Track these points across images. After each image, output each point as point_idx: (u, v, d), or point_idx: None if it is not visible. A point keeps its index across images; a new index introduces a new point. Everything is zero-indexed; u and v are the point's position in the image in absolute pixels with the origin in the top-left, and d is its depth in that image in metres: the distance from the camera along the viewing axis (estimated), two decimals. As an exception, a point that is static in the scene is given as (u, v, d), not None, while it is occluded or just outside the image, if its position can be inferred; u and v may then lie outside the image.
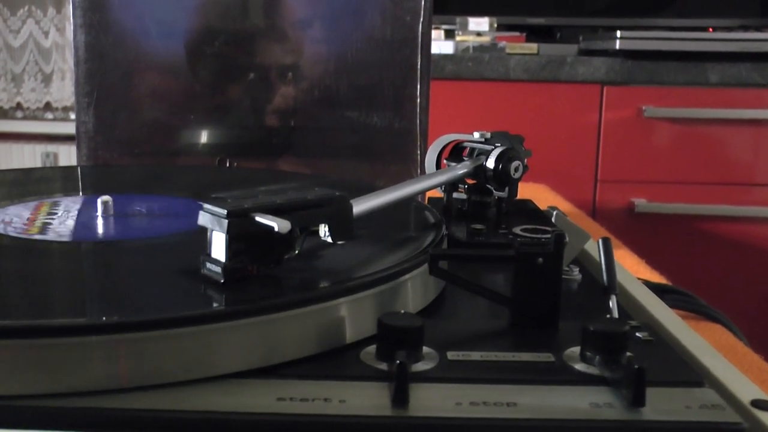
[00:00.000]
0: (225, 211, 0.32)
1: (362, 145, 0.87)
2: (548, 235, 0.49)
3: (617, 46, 1.51)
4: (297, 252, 0.34)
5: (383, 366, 0.30)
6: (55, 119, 2.48)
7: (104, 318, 0.28)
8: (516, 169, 0.54)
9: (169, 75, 0.92)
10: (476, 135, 0.56)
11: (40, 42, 2.46)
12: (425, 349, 0.31)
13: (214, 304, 0.32)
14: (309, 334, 0.31)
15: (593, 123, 1.57)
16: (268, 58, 0.91)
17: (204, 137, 0.91)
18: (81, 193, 0.54)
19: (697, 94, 1.54)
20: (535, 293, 0.35)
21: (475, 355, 0.32)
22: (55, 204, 0.47)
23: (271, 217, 0.31)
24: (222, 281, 0.32)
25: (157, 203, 0.48)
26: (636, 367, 0.27)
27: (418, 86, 0.85)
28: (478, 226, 0.51)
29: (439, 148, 0.57)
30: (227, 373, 0.29)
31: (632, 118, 1.56)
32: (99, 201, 0.43)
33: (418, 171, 0.86)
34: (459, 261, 0.40)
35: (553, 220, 0.50)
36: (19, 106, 2.50)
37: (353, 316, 0.32)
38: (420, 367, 0.30)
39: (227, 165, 0.83)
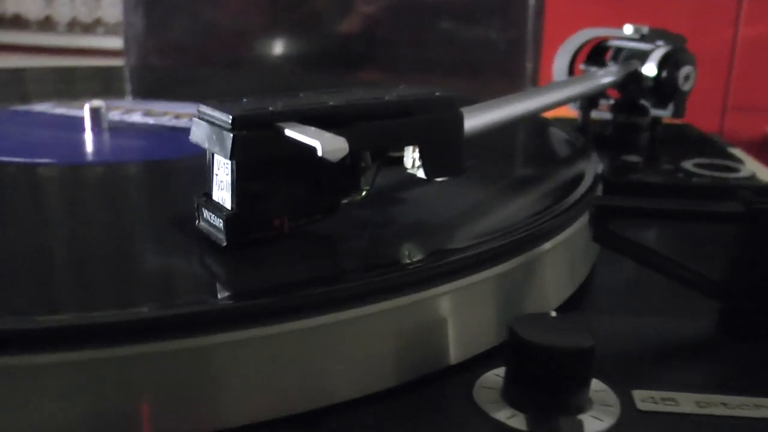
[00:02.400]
0: (230, 118, 0.17)
1: (459, 58, 0.74)
2: (738, 174, 0.34)
3: (762, -54, 1.27)
4: (364, 194, 0.20)
5: (516, 420, 0.16)
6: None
7: None
8: (686, 78, 0.38)
9: (232, -31, 0.79)
10: (628, 29, 0.40)
11: (117, -46, 2.36)
12: (594, 383, 0.17)
13: (204, 300, 0.18)
14: (378, 353, 0.17)
15: (727, 39, 1.35)
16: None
17: (273, 46, 0.78)
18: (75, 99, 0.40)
19: None
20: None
21: (686, 401, 0.17)
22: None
23: (314, 129, 0.17)
24: (225, 244, 0.18)
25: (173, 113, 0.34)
26: None
27: (531, -16, 0.70)
28: (633, 158, 0.35)
29: (574, 49, 0.41)
30: (223, 429, 0.15)
31: (776, 34, 1.32)
32: (86, 108, 0.30)
33: (527, 89, 0.70)
34: (639, 218, 0.25)
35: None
36: (98, 21, 2.43)
37: (458, 319, 0.18)
38: (591, 425, 0.16)
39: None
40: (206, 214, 0.19)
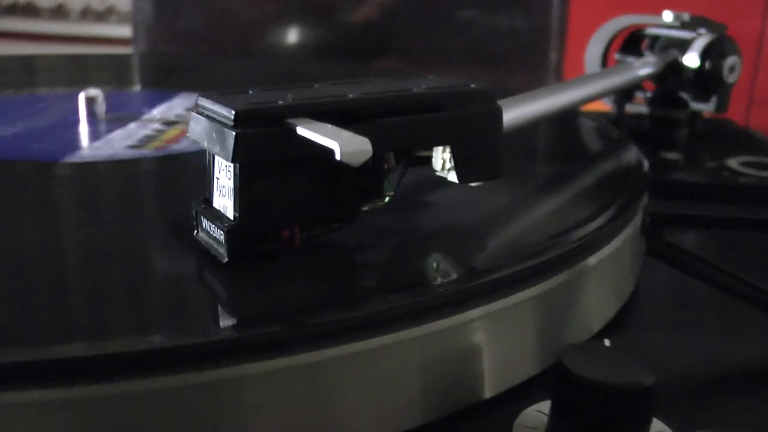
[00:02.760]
0: (232, 113, 0.15)
1: (479, 48, 0.72)
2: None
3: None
4: (387, 200, 0.18)
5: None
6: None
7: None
8: (731, 69, 0.36)
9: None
10: (668, 16, 0.37)
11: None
12: (654, 424, 0.15)
13: (198, 331, 0.15)
14: (402, 387, 0.14)
15: (754, 30, 1.31)
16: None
17: (286, 34, 0.75)
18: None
19: None
20: None
21: (761, 447, 0.15)
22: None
23: (331, 127, 0.15)
24: (226, 260, 0.15)
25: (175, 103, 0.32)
26: None
27: (555, -31, 0.68)
28: (672, 156, 0.33)
29: (609, 37, 0.39)
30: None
31: (806, 25, 1.28)
32: (82, 97, 0.28)
33: (551, 81, 0.68)
34: (705, 228, 0.22)
35: None
36: (111, 9, 2.42)
37: (493, 346, 0.16)
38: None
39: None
40: (205, 223, 0.16)
